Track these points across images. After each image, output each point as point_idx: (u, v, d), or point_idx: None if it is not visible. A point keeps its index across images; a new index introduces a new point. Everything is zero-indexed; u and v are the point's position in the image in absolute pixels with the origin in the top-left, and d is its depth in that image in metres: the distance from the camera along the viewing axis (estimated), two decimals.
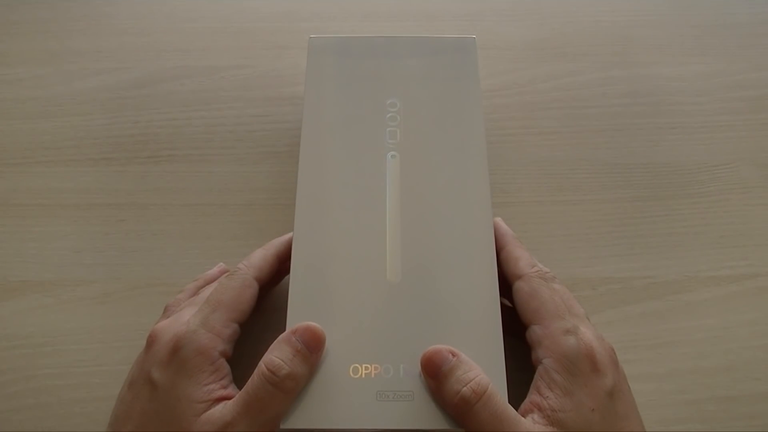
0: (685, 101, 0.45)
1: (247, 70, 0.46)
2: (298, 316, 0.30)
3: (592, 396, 0.27)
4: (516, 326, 0.31)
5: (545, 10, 0.49)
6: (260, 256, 0.32)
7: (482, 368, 0.29)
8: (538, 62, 0.46)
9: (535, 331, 0.29)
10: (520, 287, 0.31)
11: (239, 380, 0.29)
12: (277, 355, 0.27)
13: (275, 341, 0.28)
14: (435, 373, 0.27)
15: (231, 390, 0.28)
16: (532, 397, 0.28)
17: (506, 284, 0.33)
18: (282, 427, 0.28)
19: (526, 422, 0.26)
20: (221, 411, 0.27)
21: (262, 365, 0.27)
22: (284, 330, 0.29)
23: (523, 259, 0.32)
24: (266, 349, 0.35)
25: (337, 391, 0.28)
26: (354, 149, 0.35)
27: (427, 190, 0.33)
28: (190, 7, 0.49)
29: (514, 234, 0.34)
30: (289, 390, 0.27)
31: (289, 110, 0.44)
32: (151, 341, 0.29)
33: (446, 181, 0.34)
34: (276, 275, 0.34)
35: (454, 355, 0.28)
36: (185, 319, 0.29)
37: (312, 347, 0.28)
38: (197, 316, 0.29)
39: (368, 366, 0.29)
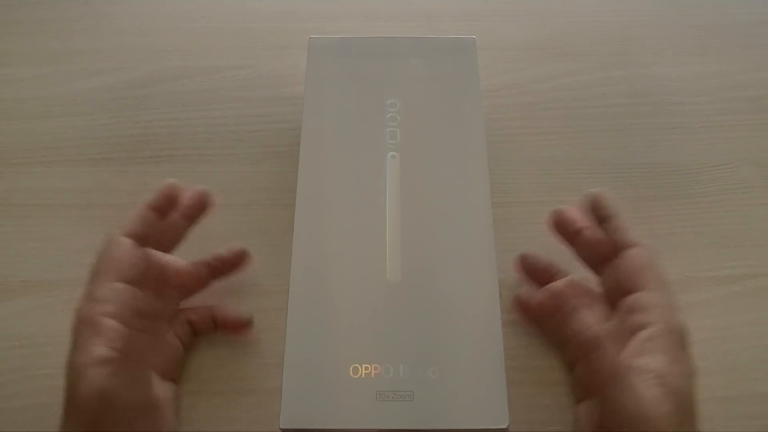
0: (685, 101, 0.45)
1: (247, 70, 0.46)
2: (298, 316, 0.30)
3: (688, 365, 0.28)
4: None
5: (545, 10, 0.49)
6: (130, 215, 0.33)
7: (481, 368, 0.29)
8: (538, 62, 0.46)
9: (645, 298, 0.30)
10: (637, 253, 0.32)
11: (237, 381, 0.29)
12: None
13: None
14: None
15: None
16: (634, 359, 0.28)
17: (571, 231, 0.34)
18: (282, 427, 0.28)
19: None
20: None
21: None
22: (285, 329, 0.29)
23: (632, 230, 0.33)
24: (267, 350, 0.35)
25: (337, 391, 0.28)
26: (354, 149, 0.35)
27: (427, 190, 0.33)
28: (190, 7, 0.49)
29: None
30: (143, 328, 0.29)
31: (289, 110, 0.44)
32: None
33: (446, 181, 0.34)
34: (165, 225, 0.34)
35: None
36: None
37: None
38: (82, 295, 0.30)
39: (368, 366, 0.29)
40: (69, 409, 0.28)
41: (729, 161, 0.42)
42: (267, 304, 0.35)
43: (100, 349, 0.28)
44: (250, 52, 0.46)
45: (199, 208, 0.35)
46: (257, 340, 0.35)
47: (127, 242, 0.31)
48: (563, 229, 0.34)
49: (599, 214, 0.33)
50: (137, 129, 0.43)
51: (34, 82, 0.45)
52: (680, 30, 0.48)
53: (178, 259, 0.34)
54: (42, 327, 0.36)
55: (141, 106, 0.44)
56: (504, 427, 0.27)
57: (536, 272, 0.35)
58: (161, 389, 0.29)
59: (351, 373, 0.28)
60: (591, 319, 0.31)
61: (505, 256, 0.36)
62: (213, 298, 0.35)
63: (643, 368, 0.27)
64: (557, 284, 0.33)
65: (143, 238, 0.32)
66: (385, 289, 0.31)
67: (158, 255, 0.33)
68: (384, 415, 0.28)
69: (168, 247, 0.34)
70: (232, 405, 0.32)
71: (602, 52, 0.47)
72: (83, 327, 0.29)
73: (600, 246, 0.33)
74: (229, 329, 0.34)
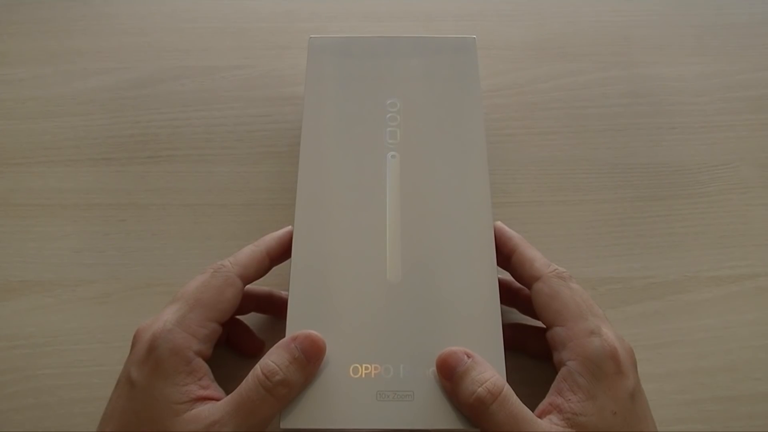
0: (685, 101, 0.45)
1: (247, 70, 0.46)
2: (298, 317, 0.30)
3: (615, 399, 0.27)
4: (517, 342, 0.32)
5: (545, 10, 0.49)
6: (248, 253, 0.31)
7: None
8: (538, 62, 0.46)
9: (558, 333, 0.29)
10: (539, 289, 0.30)
11: (236, 381, 0.29)
12: (274, 360, 0.27)
13: (275, 346, 0.28)
14: (450, 375, 0.27)
15: (213, 390, 0.28)
16: (552, 398, 0.27)
17: (511, 291, 0.33)
18: (282, 427, 0.28)
19: (544, 423, 0.26)
20: (209, 410, 0.26)
21: (258, 368, 0.27)
22: (284, 330, 0.29)
23: (538, 260, 0.31)
24: (267, 349, 0.35)
25: (337, 391, 0.28)
26: (354, 149, 0.35)
27: (427, 190, 0.33)
28: (190, 7, 0.49)
29: (521, 236, 0.33)
30: (281, 396, 0.27)
31: (289, 110, 0.44)
32: (135, 341, 0.29)
33: (446, 181, 0.34)
34: (266, 271, 0.33)
35: (469, 356, 0.28)
36: (165, 317, 0.29)
37: (310, 356, 0.28)
38: (175, 314, 0.29)
39: (368, 366, 0.29)
40: (145, 429, 0.27)
41: (729, 161, 0.42)
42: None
43: (195, 389, 0.27)
44: (249, 52, 0.46)
45: (286, 256, 0.33)
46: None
47: (239, 286, 0.30)
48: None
49: (505, 248, 0.33)
50: (137, 129, 0.43)
51: (34, 82, 0.45)
52: (680, 30, 0.48)
53: None
54: (42, 327, 0.36)
55: (141, 106, 0.44)
56: None
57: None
58: None
59: (351, 373, 0.28)
60: None
61: None
62: None
63: (552, 409, 0.27)
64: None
65: (248, 282, 0.31)
66: (385, 289, 0.30)
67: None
68: (384, 415, 0.28)
69: None
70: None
71: (602, 52, 0.47)
72: (175, 357, 0.27)
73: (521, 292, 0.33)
74: (241, 350, 0.34)
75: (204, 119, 0.43)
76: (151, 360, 0.27)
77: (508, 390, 0.27)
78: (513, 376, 0.29)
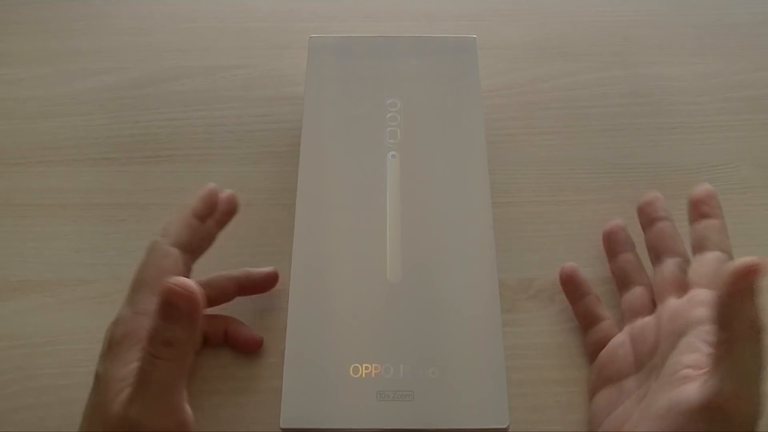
0: (685, 101, 0.45)
1: (247, 70, 0.46)
2: (298, 317, 0.30)
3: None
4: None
5: (545, 10, 0.49)
6: (174, 222, 0.31)
7: (482, 368, 0.29)
8: (538, 62, 0.46)
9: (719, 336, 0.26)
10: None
11: (236, 381, 0.29)
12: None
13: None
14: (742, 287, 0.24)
15: None
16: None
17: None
18: (282, 426, 0.28)
19: None
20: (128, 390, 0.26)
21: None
22: (284, 331, 0.29)
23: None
24: (267, 349, 0.35)
25: (337, 391, 0.28)
26: (354, 149, 0.35)
27: (427, 190, 0.33)
28: (190, 7, 0.49)
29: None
30: (170, 357, 0.25)
31: (289, 110, 0.44)
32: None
33: (446, 181, 0.34)
34: (205, 233, 0.33)
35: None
36: (119, 309, 0.30)
37: (186, 309, 0.25)
38: (125, 302, 0.29)
39: (368, 366, 0.29)
40: (96, 418, 0.27)
41: (729, 161, 0.42)
42: (267, 304, 0.35)
43: None
44: (250, 52, 0.46)
45: (230, 213, 0.34)
46: None
47: (175, 253, 0.31)
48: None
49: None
50: (137, 129, 0.43)
51: (34, 82, 0.45)
52: (680, 30, 0.48)
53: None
54: (42, 327, 0.36)
55: (141, 106, 0.44)
56: (504, 427, 0.27)
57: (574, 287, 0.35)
58: (188, 410, 0.27)
59: (351, 372, 0.28)
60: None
61: (505, 256, 0.36)
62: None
63: None
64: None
65: (187, 247, 0.31)
66: (385, 289, 0.31)
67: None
68: (384, 415, 0.28)
69: (200, 254, 0.33)
70: (232, 405, 0.32)
71: (602, 52, 0.47)
72: (127, 339, 0.28)
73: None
74: (239, 347, 0.34)
75: (204, 119, 0.43)
76: (110, 351, 0.28)
77: None
78: (514, 375, 0.29)
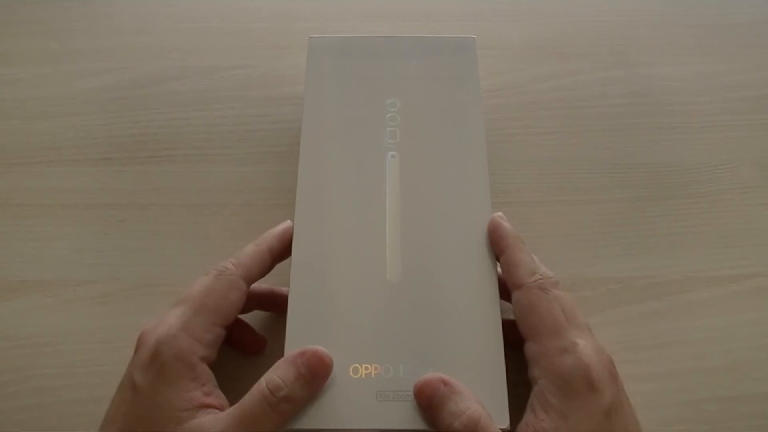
0: (685, 101, 0.45)
1: (247, 70, 0.46)
2: (298, 317, 0.30)
3: (588, 418, 0.26)
4: (515, 337, 0.31)
5: (545, 10, 0.49)
6: (251, 253, 0.31)
7: (482, 368, 0.29)
8: (538, 62, 0.46)
9: (532, 349, 0.28)
10: (518, 299, 0.29)
11: (238, 381, 0.29)
12: (280, 375, 0.27)
13: (281, 360, 0.28)
14: (427, 405, 0.27)
15: (215, 397, 0.28)
16: (528, 417, 0.27)
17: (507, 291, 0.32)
18: None
19: None
20: (212, 421, 0.26)
21: (262, 382, 0.27)
22: (284, 331, 0.29)
23: (523, 266, 0.30)
24: (267, 349, 0.35)
25: (337, 391, 0.28)
26: (354, 149, 0.35)
27: (427, 190, 0.33)
28: (190, 7, 0.49)
29: (517, 233, 0.31)
30: (284, 412, 0.26)
31: (289, 110, 0.44)
32: (139, 344, 0.29)
33: (446, 181, 0.34)
34: (269, 270, 0.32)
35: (445, 383, 0.27)
36: (170, 320, 0.29)
37: (316, 373, 0.27)
38: (180, 318, 0.28)
39: (368, 366, 0.29)
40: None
41: (729, 161, 0.42)
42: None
43: (198, 396, 0.27)
44: (249, 52, 0.46)
45: (288, 253, 0.32)
46: None
47: (243, 289, 0.30)
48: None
49: (496, 247, 0.32)
50: (137, 129, 0.43)
51: (34, 82, 0.45)
52: (680, 30, 0.48)
53: None
54: (42, 327, 0.36)
55: (141, 106, 0.44)
56: (504, 427, 0.27)
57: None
58: None
59: (351, 373, 0.28)
60: None
61: None
62: None
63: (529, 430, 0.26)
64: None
65: (252, 281, 0.31)
66: (385, 289, 0.30)
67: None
68: (384, 415, 0.28)
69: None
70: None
71: (602, 52, 0.47)
72: (180, 363, 0.27)
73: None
74: (244, 348, 0.34)
75: (204, 119, 0.43)
76: (155, 365, 0.27)
77: (484, 421, 0.26)
78: (514, 375, 0.29)
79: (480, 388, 0.28)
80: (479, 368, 0.29)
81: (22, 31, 0.47)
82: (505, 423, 0.27)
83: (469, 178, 0.34)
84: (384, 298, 0.30)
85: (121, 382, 0.29)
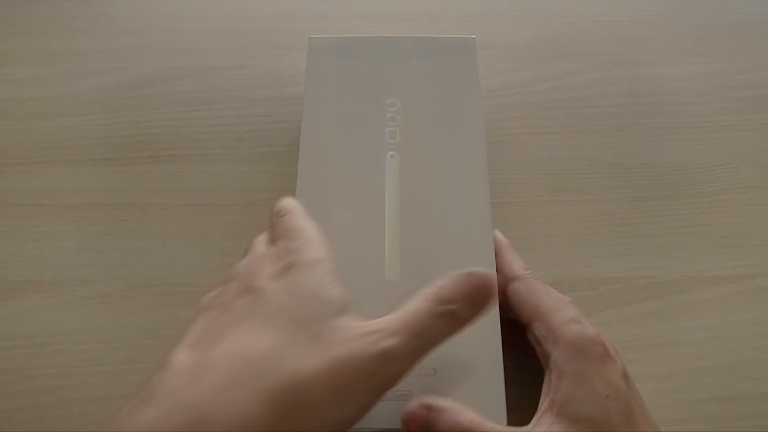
0: (685, 101, 0.45)
1: (247, 70, 0.46)
2: None
3: (605, 381, 0.26)
4: (514, 338, 0.31)
5: (545, 10, 0.49)
6: (312, 232, 0.27)
7: (480, 368, 0.29)
8: (538, 62, 0.46)
9: (538, 328, 0.29)
10: (516, 288, 0.31)
11: None
12: (450, 289, 0.25)
13: (449, 276, 0.25)
14: None
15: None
16: (547, 396, 0.27)
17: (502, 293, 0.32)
18: None
19: None
20: (378, 321, 0.24)
21: (429, 292, 0.25)
22: None
23: (517, 262, 0.32)
24: None
25: None
26: (353, 149, 0.35)
27: (426, 190, 0.33)
28: (190, 7, 0.49)
29: (509, 242, 0.34)
30: (450, 325, 0.24)
31: (289, 110, 0.44)
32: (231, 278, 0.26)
33: (446, 181, 0.34)
34: None
35: (429, 409, 0.26)
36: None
37: (483, 295, 0.25)
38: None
39: None
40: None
41: (729, 161, 0.42)
42: None
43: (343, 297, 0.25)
44: (250, 52, 0.46)
45: None
46: None
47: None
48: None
49: None
50: (137, 129, 0.43)
51: (34, 82, 0.45)
52: (680, 30, 0.48)
53: None
54: (42, 327, 0.36)
55: (141, 106, 0.44)
56: (502, 427, 0.27)
57: None
58: None
59: None
60: None
61: None
62: None
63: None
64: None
65: None
66: (384, 289, 0.31)
67: None
68: (383, 415, 0.27)
69: None
70: None
71: (602, 52, 0.47)
72: (319, 265, 0.25)
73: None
74: None
75: (204, 119, 0.43)
76: (293, 270, 0.25)
77: (478, 427, 0.25)
78: (513, 375, 0.29)
79: (478, 388, 0.28)
80: (478, 368, 0.29)
81: (22, 31, 0.47)
82: (503, 422, 0.27)
83: (469, 178, 0.34)
84: (382, 298, 0.30)
85: (207, 306, 0.26)
